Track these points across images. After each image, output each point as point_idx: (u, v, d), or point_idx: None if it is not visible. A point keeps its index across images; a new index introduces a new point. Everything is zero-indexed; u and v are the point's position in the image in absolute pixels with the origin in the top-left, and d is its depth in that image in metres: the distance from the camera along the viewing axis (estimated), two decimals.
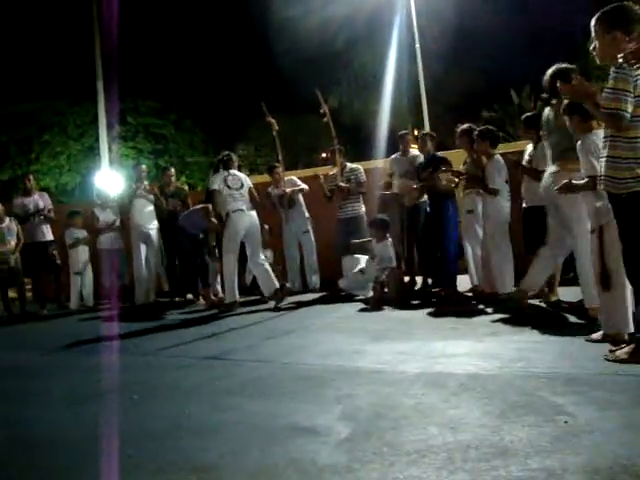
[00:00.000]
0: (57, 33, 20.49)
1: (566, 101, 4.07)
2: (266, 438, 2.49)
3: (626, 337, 3.54)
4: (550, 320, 4.79)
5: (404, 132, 8.06)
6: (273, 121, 7.98)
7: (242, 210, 6.85)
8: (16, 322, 7.77)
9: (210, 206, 7.67)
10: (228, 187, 6.90)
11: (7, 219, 8.24)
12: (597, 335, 3.76)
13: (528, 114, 6.12)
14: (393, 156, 7.76)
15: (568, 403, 2.59)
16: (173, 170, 9.12)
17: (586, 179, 3.88)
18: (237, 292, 6.95)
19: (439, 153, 7.27)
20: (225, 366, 3.96)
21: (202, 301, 7.66)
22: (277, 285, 6.80)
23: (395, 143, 8.12)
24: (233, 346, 4.61)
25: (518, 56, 21.12)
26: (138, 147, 21.10)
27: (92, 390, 3.65)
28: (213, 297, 7.70)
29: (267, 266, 6.96)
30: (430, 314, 5.56)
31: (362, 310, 6.19)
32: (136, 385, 3.64)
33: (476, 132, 6.09)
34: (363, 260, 6.92)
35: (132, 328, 6.28)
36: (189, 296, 8.29)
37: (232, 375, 3.68)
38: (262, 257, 7.05)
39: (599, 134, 3.57)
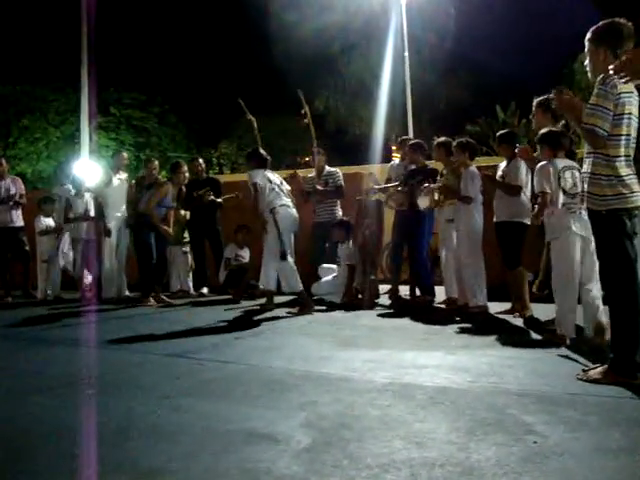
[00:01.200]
0: (42, 17, 20.23)
1: (543, 131, 4.57)
2: (220, 443, 2.35)
3: (568, 342, 4.14)
4: (523, 336, 4.70)
5: (405, 138, 7.94)
6: (253, 118, 7.87)
7: (288, 205, 6.41)
8: None
9: (170, 185, 7.45)
10: (270, 181, 6.37)
11: None
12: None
13: (502, 131, 6.16)
14: (392, 162, 7.67)
15: (538, 422, 2.50)
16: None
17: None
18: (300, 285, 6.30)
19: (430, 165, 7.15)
20: (187, 365, 3.82)
21: (152, 302, 7.25)
22: (300, 287, 6.28)
23: (382, 150, 8.09)
24: (198, 345, 4.47)
25: (505, 72, 21.29)
26: (120, 139, 20.90)
27: (44, 383, 3.48)
28: (189, 292, 7.63)
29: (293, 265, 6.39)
30: (404, 323, 5.47)
31: (332, 313, 6.10)
32: (92, 380, 3.48)
33: (455, 143, 6.07)
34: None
35: (97, 321, 6.12)
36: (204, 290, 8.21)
37: (193, 374, 3.54)
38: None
39: (557, 162, 4.36)
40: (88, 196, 8.37)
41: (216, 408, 2.83)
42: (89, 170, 11.71)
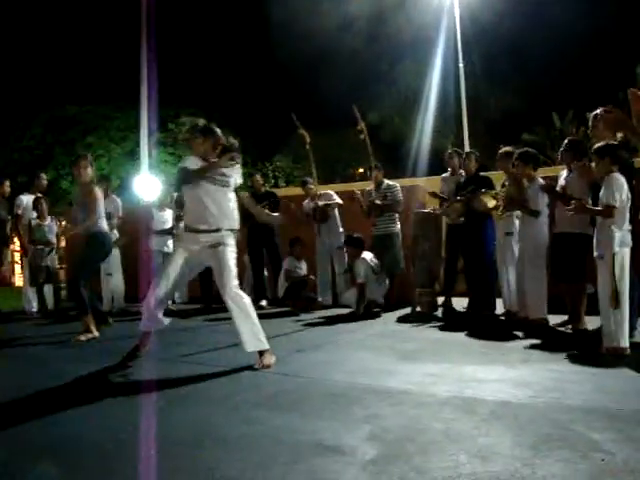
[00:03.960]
0: (104, 40, 21.04)
1: (601, 144, 4.56)
2: (290, 454, 2.44)
3: (627, 352, 4.29)
4: (584, 350, 4.63)
5: (453, 150, 7.96)
6: (305, 133, 8.01)
7: None
8: (50, 318, 7.86)
9: None
10: None
11: (49, 218, 8.42)
12: None
13: (571, 138, 6.06)
14: (443, 175, 7.70)
15: (605, 440, 2.49)
16: (259, 176, 9.24)
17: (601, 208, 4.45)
18: None
19: (482, 173, 7.15)
20: (253, 377, 3.94)
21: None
22: None
23: (438, 161, 8.09)
24: None
25: (562, 79, 20.85)
26: (177, 153, 21.41)
27: (118, 394, 3.66)
28: None
29: None
30: (463, 336, 5.46)
31: (390, 327, 6.13)
32: (163, 392, 3.64)
33: (517, 154, 6.02)
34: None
35: (162, 333, 6.30)
36: (263, 303, 8.29)
37: (259, 387, 3.65)
38: None
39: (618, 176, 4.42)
40: (170, 211, 8.64)
41: (284, 420, 2.93)
42: (148, 185, 12.11)
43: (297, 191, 10.08)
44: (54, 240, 8.44)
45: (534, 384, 3.49)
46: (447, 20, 21.20)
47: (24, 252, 8.61)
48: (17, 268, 22.70)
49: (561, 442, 2.48)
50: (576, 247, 5.37)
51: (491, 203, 6.22)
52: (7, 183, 8.50)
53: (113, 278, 8.69)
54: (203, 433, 2.76)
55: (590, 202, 5.18)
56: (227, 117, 22.42)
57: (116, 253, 8.74)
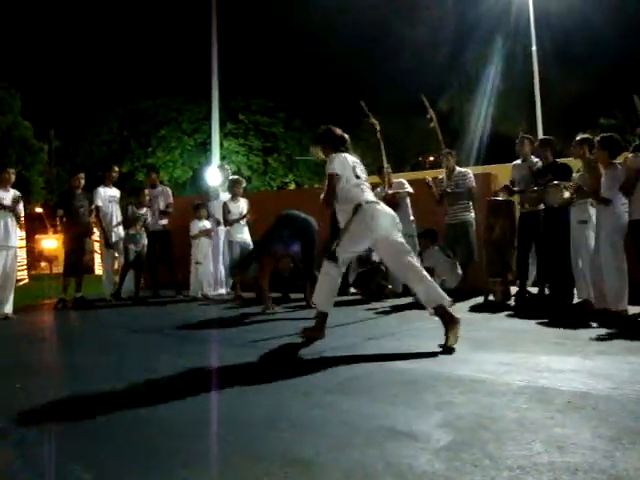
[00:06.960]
0: (175, 34, 21.56)
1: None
2: (363, 439, 2.47)
3: None
4: None
5: (523, 137, 7.79)
6: (375, 122, 7.97)
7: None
8: (133, 305, 8.16)
9: None
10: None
11: (144, 208, 8.90)
12: None
13: None
14: (514, 162, 7.56)
15: None
16: None
17: None
18: None
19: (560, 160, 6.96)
20: (325, 363, 3.98)
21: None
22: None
23: (507, 148, 7.93)
24: (334, 344, 4.62)
25: None
26: (248, 144, 21.75)
27: (195, 376, 3.80)
28: None
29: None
30: (537, 325, 5.35)
31: (462, 315, 6.05)
32: (237, 376, 3.74)
33: (598, 139, 5.81)
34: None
35: (243, 319, 6.47)
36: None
37: (331, 373, 3.70)
38: None
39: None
40: (243, 201, 8.81)
41: (357, 405, 2.96)
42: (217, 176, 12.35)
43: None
44: (144, 228, 8.88)
45: (612, 375, 3.39)
46: (516, 3, 20.61)
47: (105, 241, 9.02)
48: (97, 258, 23.65)
49: None
50: None
51: (566, 195, 6.04)
52: (82, 175, 8.89)
53: (202, 266, 8.92)
54: (276, 416, 2.82)
55: None
56: (296, 107, 22.65)
57: (206, 242, 8.99)
